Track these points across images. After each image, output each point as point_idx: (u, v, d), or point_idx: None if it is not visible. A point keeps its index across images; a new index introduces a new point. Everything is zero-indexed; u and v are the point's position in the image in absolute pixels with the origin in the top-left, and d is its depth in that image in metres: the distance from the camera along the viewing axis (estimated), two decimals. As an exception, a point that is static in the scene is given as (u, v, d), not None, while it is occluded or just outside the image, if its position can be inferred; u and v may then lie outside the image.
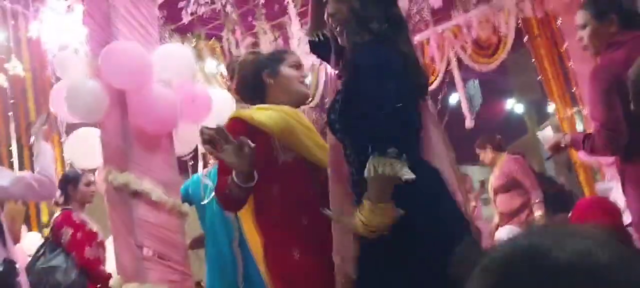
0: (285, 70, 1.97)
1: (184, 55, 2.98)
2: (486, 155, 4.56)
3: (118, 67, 2.63)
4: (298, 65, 2.02)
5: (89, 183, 3.54)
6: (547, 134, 2.58)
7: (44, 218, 4.93)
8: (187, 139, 2.95)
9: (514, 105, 8.81)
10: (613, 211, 2.10)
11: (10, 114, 5.32)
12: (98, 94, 2.70)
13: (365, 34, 1.58)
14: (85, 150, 3.13)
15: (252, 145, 1.64)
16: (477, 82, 8.13)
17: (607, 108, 2.10)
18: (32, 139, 3.04)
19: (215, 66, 5.26)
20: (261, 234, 1.89)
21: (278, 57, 2.02)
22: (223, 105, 2.96)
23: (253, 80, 1.98)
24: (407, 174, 1.35)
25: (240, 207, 1.88)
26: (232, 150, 1.65)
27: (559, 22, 4.61)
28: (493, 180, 4.49)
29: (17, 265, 2.60)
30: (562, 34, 4.62)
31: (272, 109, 1.91)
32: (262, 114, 1.88)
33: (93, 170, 3.42)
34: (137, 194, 2.63)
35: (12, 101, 5.43)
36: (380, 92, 1.44)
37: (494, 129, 6.59)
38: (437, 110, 6.30)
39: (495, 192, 4.43)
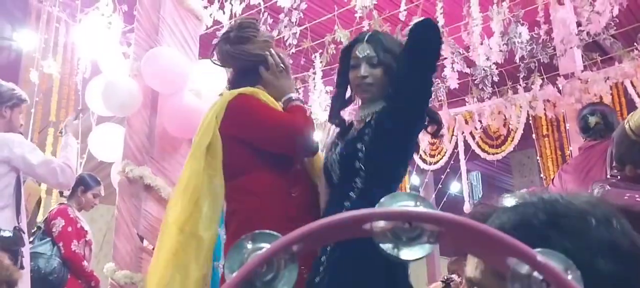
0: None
1: (218, 72, 3.19)
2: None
3: (158, 69, 2.83)
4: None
5: (96, 196, 3.81)
6: None
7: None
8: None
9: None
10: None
11: (32, 110, 5.51)
12: (134, 92, 2.90)
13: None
14: (107, 145, 3.31)
15: None
16: (479, 174, 8.32)
17: None
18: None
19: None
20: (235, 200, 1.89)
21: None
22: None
23: (252, 72, 2.00)
24: None
25: None
26: None
27: (567, 127, 4.82)
28: None
29: (24, 235, 2.71)
30: (569, 139, 4.81)
31: None
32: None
33: (110, 165, 3.58)
34: (148, 188, 2.77)
35: (36, 99, 5.64)
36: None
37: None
38: (436, 190, 6.47)
39: None
